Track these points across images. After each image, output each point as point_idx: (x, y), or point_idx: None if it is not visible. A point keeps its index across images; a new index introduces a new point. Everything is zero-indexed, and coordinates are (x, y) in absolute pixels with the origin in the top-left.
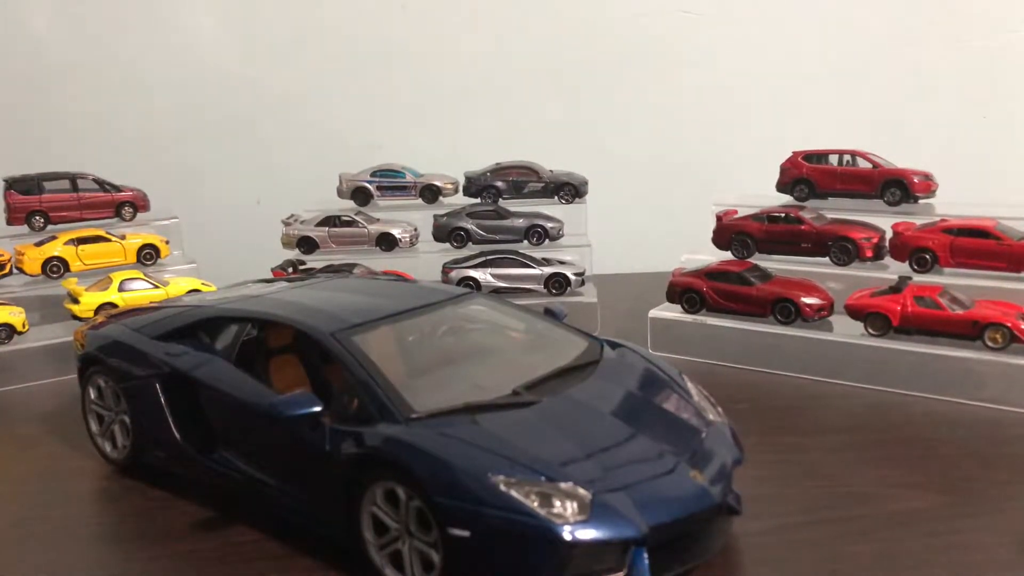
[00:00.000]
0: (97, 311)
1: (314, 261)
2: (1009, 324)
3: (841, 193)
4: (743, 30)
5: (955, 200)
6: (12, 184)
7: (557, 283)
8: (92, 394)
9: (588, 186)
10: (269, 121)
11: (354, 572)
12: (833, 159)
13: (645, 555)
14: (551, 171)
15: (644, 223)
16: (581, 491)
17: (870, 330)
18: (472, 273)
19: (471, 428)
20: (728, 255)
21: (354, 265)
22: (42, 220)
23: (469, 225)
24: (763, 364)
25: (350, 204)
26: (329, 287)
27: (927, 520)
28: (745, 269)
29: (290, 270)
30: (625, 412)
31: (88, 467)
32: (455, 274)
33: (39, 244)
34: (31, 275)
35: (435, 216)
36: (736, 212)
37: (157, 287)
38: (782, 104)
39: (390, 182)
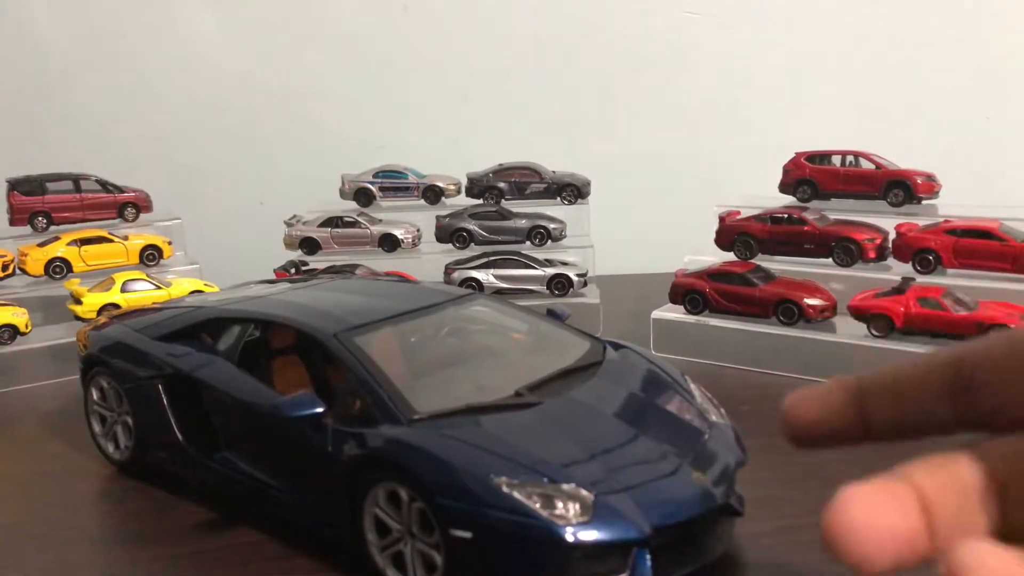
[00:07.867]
0: (100, 312)
1: (316, 262)
2: (1013, 326)
3: (844, 194)
4: (746, 30)
5: (958, 201)
6: (15, 185)
7: (559, 284)
8: (95, 395)
9: (591, 187)
10: (272, 122)
11: (356, 573)
12: (836, 160)
13: (647, 557)
14: (554, 172)
15: (647, 224)
16: (584, 492)
17: (873, 331)
18: (474, 274)
19: (473, 429)
20: (731, 256)
21: (356, 266)
22: (45, 221)
23: (471, 226)
24: (766, 365)
25: (352, 205)
26: (332, 288)
27: None
28: (748, 270)
29: (292, 271)
30: (628, 413)
31: (90, 468)
32: (457, 275)
33: (42, 245)
34: (34, 276)
35: (437, 217)
36: (739, 213)
37: (160, 288)
38: (785, 105)
39: (392, 183)
